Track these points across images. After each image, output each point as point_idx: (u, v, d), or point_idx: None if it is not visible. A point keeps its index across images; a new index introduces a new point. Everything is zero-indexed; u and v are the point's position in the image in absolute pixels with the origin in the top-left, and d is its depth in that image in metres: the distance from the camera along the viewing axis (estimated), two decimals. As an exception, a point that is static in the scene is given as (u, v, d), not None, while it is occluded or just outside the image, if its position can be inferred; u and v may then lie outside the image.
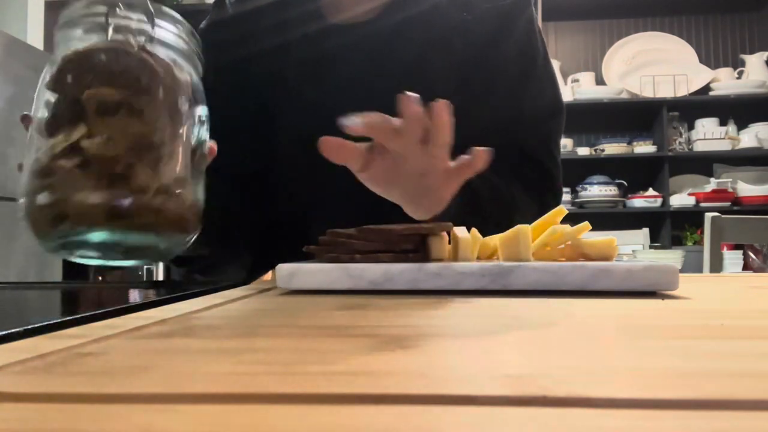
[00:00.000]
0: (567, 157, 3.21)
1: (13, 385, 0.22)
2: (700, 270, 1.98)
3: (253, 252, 0.89)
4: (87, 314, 0.37)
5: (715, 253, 1.59)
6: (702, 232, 2.76)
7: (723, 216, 1.61)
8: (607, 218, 3.27)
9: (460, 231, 0.54)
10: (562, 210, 0.58)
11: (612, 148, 3.36)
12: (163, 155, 0.46)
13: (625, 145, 3.39)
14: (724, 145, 3.27)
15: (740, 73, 3.39)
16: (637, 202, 3.32)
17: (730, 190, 3.24)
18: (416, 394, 0.20)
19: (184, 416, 0.18)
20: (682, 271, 0.54)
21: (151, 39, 0.46)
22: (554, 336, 0.30)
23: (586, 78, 3.46)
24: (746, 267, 2.97)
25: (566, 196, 3.30)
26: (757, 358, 0.26)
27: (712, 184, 3.28)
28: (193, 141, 0.50)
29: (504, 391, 0.20)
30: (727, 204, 3.20)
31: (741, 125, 3.38)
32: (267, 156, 0.84)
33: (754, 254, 2.95)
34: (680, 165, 3.42)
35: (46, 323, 0.33)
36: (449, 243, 0.55)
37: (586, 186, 3.33)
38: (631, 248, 2.68)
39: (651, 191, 3.34)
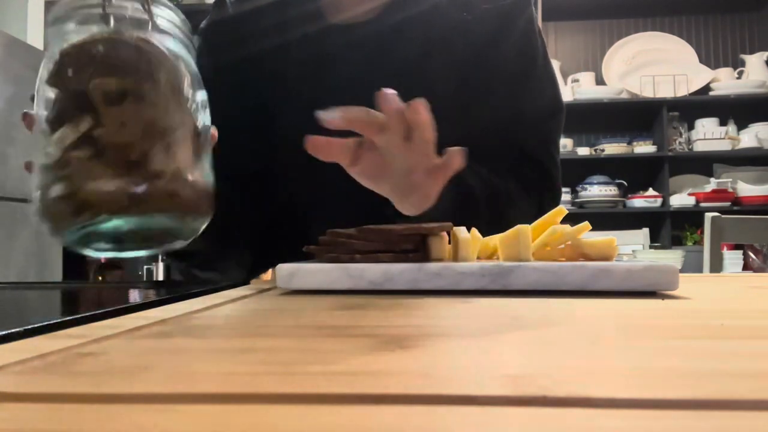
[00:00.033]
0: (567, 157, 3.21)
1: (13, 385, 0.22)
2: (700, 270, 1.98)
3: (253, 251, 0.89)
4: (87, 314, 0.37)
5: (715, 253, 1.59)
6: (702, 232, 2.76)
7: (723, 216, 1.61)
8: (607, 218, 3.27)
9: (460, 231, 0.54)
10: (562, 210, 0.58)
11: (612, 148, 3.36)
12: (175, 139, 0.46)
13: (625, 145, 3.39)
14: (724, 145, 3.27)
15: (740, 73, 3.38)
16: (637, 202, 3.32)
17: (730, 190, 3.23)
18: (416, 394, 0.20)
19: (184, 416, 0.18)
20: (682, 271, 0.54)
21: (148, 26, 0.47)
22: (554, 336, 0.30)
23: (586, 78, 3.46)
24: (746, 267, 2.96)
25: (566, 196, 3.29)
26: (757, 358, 0.26)
27: (712, 184, 3.28)
28: (199, 125, 0.51)
29: (504, 391, 0.20)
30: (727, 204, 3.20)
31: (741, 125, 3.38)
32: (267, 156, 0.84)
33: (754, 254, 2.95)
34: (680, 165, 3.42)
35: (46, 323, 0.33)
36: (449, 243, 0.55)
37: (586, 186, 3.33)
38: (631, 248, 2.68)
39: (651, 191, 3.34)
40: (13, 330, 0.31)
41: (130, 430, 0.17)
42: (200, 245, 0.53)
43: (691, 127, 3.41)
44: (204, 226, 0.50)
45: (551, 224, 0.55)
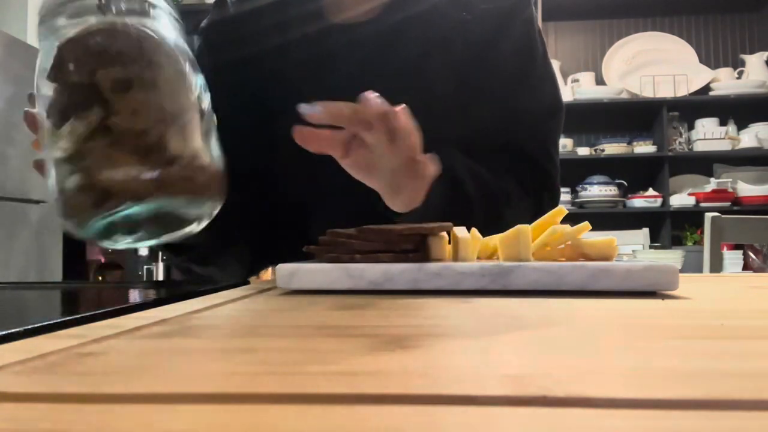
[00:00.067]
0: (567, 157, 3.21)
1: (13, 385, 0.22)
2: (700, 270, 1.98)
3: (253, 250, 0.90)
4: (87, 314, 0.37)
5: (715, 253, 1.59)
6: (702, 232, 2.76)
7: (723, 216, 1.61)
8: (607, 218, 3.27)
9: (460, 231, 0.54)
10: (562, 210, 0.58)
11: (612, 148, 3.36)
12: (186, 122, 0.47)
13: (625, 145, 3.39)
14: (724, 145, 3.27)
15: (740, 73, 3.39)
16: (637, 202, 3.32)
17: (730, 190, 3.24)
18: (416, 394, 0.20)
19: (184, 416, 0.18)
20: (682, 271, 0.55)
21: (141, 13, 0.47)
22: (554, 336, 0.30)
23: (586, 78, 3.46)
24: (746, 267, 2.97)
25: (566, 196, 3.30)
26: (757, 358, 0.26)
27: (712, 184, 3.28)
28: (204, 107, 0.51)
29: (504, 391, 0.20)
30: (727, 204, 3.20)
31: (741, 125, 3.38)
32: (267, 155, 0.84)
33: (754, 254, 2.95)
34: (680, 165, 3.42)
35: (46, 323, 0.33)
36: (449, 243, 0.55)
37: (586, 186, 3.33)
38: (631, 248, 2.68)
39: (651, 191, 3.34)
40: (13, 330, 0.31)
41: (130, 430, 0.17)
42: (199, 239, 0.54)
43: (691, 127, 3.41)
44: (219, 208, 0.50)
45: (551, 224, 0.55)
